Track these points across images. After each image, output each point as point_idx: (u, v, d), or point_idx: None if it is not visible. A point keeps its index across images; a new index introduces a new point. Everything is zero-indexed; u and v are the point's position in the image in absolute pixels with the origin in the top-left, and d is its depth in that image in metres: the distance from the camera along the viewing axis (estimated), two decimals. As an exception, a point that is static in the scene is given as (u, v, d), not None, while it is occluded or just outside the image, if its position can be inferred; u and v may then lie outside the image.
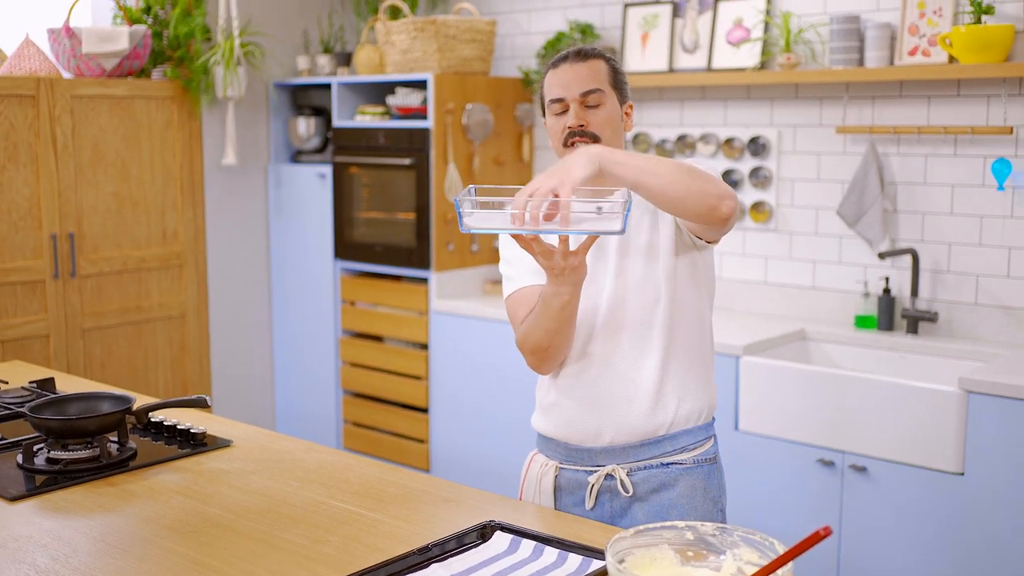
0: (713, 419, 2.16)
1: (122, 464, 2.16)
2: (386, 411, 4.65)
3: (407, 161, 4.38)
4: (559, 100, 2.07)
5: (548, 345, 2.02)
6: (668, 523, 1.46)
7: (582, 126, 2.04)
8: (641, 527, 1.45)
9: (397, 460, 4.58)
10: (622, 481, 2.05)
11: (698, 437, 2.10)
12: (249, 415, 4.95)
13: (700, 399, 2.10)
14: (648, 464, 2.06)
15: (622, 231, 1.72)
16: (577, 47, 2.12)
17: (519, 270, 2.11)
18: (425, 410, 4.50)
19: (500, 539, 1.74)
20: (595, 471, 2.08)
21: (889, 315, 3.67)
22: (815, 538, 1.25)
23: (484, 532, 1.77)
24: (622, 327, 2.05)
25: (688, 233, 2.03)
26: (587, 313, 2.05)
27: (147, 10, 4.46)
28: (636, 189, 1.82)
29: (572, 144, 2.04)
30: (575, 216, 1.73)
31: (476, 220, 1.79)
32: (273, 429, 5.08)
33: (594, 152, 1.80)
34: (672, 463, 2.07)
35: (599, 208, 1.75)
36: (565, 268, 1.85)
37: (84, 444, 2.16)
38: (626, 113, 2.12)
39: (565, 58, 2.09)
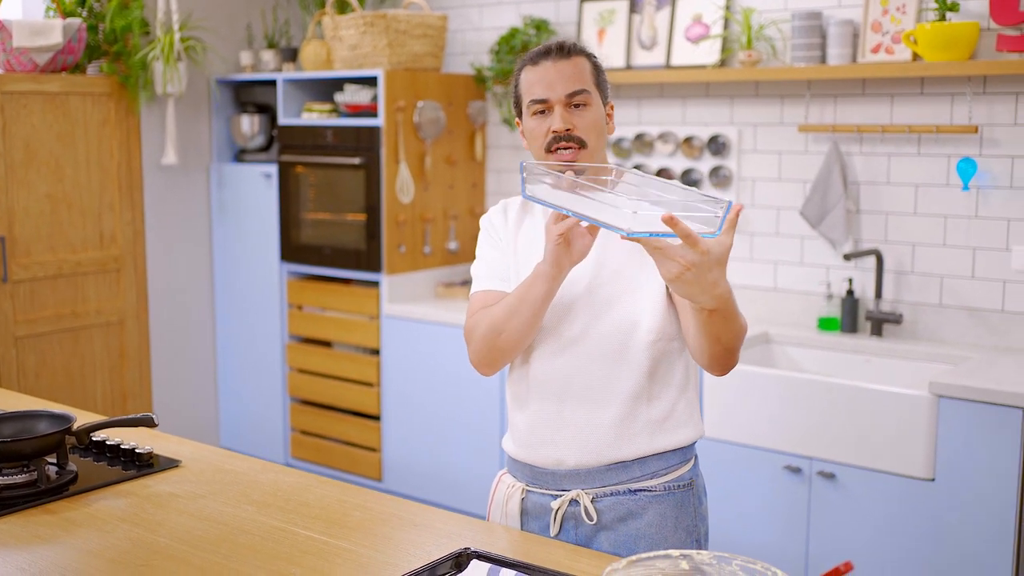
0: (693, 443, 1.99)
1: (62, 489, 2.00)
2: (336, 419, 4.50)
3: (356, 160, 4.23)
4: (542, 101, 1.89)
5: (503, 330, 1.86)
6: (662, 552, 1.37)
7: (568, 130, 1.88)
8: (634, 557, 1.37)
9: (348, 470, 4.43)
10: (586, 508, 1.90)
11: (671, 461, 1.93)
12: (192, 424, 4.76)
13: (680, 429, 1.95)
14: (615, 490, 1.91)
15: (715, 235, 1.54)
16: (558, 41, 1.93)
17: (488, 272, 2.00)
18: (377, 417, 4.36)
19: (477, 568, 1.62)
20: (560, 495, 1.93)
21: (853, 317, 3.61)
22: (835, 573, 1.15)
23: (459, 561, 1.65)
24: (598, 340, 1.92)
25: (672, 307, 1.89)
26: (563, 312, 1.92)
27: (82, 3, 4.25)
28: (703, 315, 1.69)
29: (556, 150, 1.89)
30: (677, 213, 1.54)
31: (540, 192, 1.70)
32: (217, 439, 4.90)
33: (726, 291, 1.63)
34: (640, 490, 1.90)
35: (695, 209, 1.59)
36: (560, 242, 1.75)
37: (20, 468, 2.00)
38: (608, 114, 1.96)
39: (546, 54, 1.91)
